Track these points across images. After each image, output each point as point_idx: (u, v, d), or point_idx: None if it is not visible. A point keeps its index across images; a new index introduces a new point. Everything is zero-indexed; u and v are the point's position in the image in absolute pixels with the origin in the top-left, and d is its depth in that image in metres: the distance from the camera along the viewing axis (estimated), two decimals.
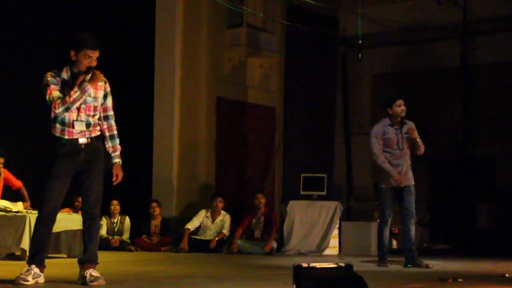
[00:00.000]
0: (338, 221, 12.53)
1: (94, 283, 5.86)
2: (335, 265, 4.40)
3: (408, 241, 8.95)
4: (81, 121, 6.01)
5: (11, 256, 9.37)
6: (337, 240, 12.52)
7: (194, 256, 11.04)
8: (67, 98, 5.89)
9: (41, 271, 5.97)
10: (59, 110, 5.90)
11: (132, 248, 12.11)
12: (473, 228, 13.18)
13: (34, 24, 12.14)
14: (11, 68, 11.90)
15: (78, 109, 5.98)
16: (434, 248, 13.07)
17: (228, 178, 14.09)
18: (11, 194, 10.26)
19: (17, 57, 12.02)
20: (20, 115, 11.87)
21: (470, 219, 13.27)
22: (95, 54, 6.01)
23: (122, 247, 12.12)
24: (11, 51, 12.03)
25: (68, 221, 9.75)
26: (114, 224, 12.50)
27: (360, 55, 13.71)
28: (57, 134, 6.02)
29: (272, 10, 14.35)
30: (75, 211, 11.34)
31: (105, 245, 11.69)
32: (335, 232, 12.49)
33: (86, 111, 6.03)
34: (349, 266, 4.42)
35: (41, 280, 5.93)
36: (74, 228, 9.72)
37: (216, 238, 12.07)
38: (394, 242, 12.72)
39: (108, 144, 6.22)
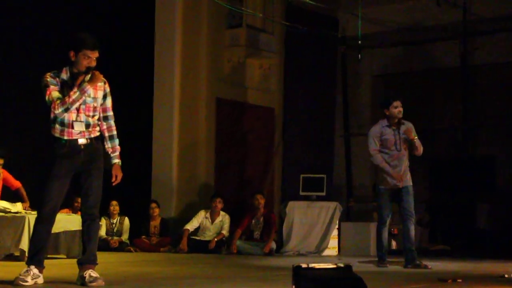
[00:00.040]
0: (337, 222, 12.51)
1: (93, 284, 5.85)
2: (335, 266, 4.39)
3: (408, 241, 8.96)
4: (81, 121, 6.00)
5: (10, 257, 9.34)
6: (336, 240, 12.51)
7: (193, 257, 11.03)
8: (67, 99, 5.89)
9: (40, 271, 5.95)
10: (58, 110, 5.89)
11: (131, 249, 12.11)
12: (473, 228, 13.18)
13: (34, 24, 12.13)
14: (11, 68, 11.89)
15: (78, 109, 5.97)
16: (433, 248, 13.06)
17: (227, 179, 14.08)
18: (10, 195, 10.25)
19: (16, 57, 12.01)
20: (20, 115, 11.86)
21: (470, 220, 13.26)
22: (95, 55, 6.00)
23: (121, 247, 12.11)
24: (11, 51, 12.02)
25: (67, 221, 9.74)
26: (113, 225, 12.49)
27: (360, 55, 13.70)
28: (57, 135, 6.01)
29: (271, 10, 14.34)
30: (74, 211, 11.35)
31: (104, 245, 11.67)
32: (335, 232, 12.48)
33: (86, 111, 6.02)
34: (348, 267, 4.41)
35: (40, 280, 5.91)
36: (73, 229, 9.70)
37: (216, 239, 12.07)
38: (394, 243, 12.71)
39: (108, 145, 6.21)
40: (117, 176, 6.20)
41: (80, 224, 6.21)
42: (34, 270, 5.90)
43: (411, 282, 6.84)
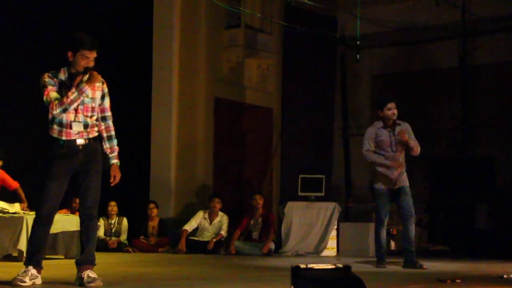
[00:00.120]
0: (336, 222, 12.51)
1: (92, 284, 5.83)
2: (333, 266, 4.35)
3: (407, 242, 8.98)
4: (79, 122, 5.98)
5: (8, 258, 9.33)
6: (335, 241, 12.51)
7: (191, 257, 11.03)
8: (65, 99, 5.87)
9: (38, 272, 5.93)
10: (56, 111, 5.87)
11: (130, 249, 12.10)
12: (473, 228, 13.15)
13: (33, 24, 12.11)
14: (10, 68, 11.87)
15: (76, 110, 5.95)
16: (433, 249, 13.05)
17: (226, 179, 14.08)
18: (8, 195, 10.23)
19: (15, 57, 11.99)
20: (18, 116, 11.84)
21: (469, 220, 13.24)
22: (93, 55, 5.98)
23: (120, 248, 12.11)
24: (10, 51, 12.01)
25: (65, 222, 9.73)
26: (112, 225, 12.48)
27: (358, 55, 13.68)
28: (55, 135, 5.99)
29: (270, 10, 14.33)
30: (73, 212, 11.33)
31: (103, 246, 11.68)
32: (333, 233, 12.48)
33: (84, 112, 6.00)
34: (347, 267, 4.38)
35: (38, 281, 5.89)
36: (72, 229, 9.70)
37: (214, 240, 12.06)
38: (392, 243, 12.70)
39: (106, 145, 6.19)
40: (116, 176, 6.19)
41: (78, 224, 6.19)
42: (32, 270, 5.87)
43: (410, 283, 6.83)
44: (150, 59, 13.35)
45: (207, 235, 12.28)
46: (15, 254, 9.31)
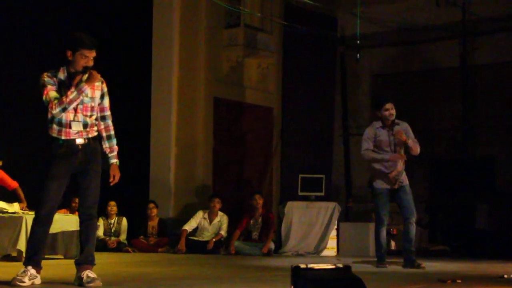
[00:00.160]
0: (336, 222, 12.50)
1: (91, 284, 5.81)
2: (333, 266, 4.34)
3: (407, 241, 8.98)
4: (78, 121, 5.97)
5: (7, 257, 9.31)
6: (335, 241, 12.50)
7: (191, 257, 11.01)
8: (64, 99, 5.86)
9: (38, 272, 5.92)
10: (56, 110, 5.86)
11: (129, 249, 12.09)
12: (473, 228, 13.14)
13: (33, 24, 12.10)
14: (9, 68, 11.86)
15: (75, 109, 5.94)
16: (433, 249, 13.03)
17: (225, 179, 14.06)
18: (7, 195, 10.21)
19: (14, 57, 11.98)
20: (17, 115, 11.83)
21: (469, 220, 13.23)
22: (92, 54, 5.97)
23: (119, 248, 12.10)
24: (9, 51, 11.99)
25: (64, 222, 9.71)
26: (111, 225, 12.46)
27: (358, 55, 13.66)
28: (54, 135, 5.98)
29: (269, 10, 14.32)
30: (72, 212, 11.32)
31: (102, 246, 11.67)
32: (333, 233, 12.47)
33: (83, 111, 5.99)
34: (347, 267, 4.37)
35: (38, 281, 5.88)
36: (71, 229, 9.67)
37: (214, 239, 12.05)
38: (393, 243, 12.69)
39: (105, 145, 6.18)
40: (115, 176, 6.17)
41: (78, 224, 6.17)
42: (32, 270, 5.86)
43: (411, 283, 6.81)
44: (149, 59, 13.33)
45: (206, 235, 12.26)
46: (14, 254, 9.29)
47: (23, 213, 9.57)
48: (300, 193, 12.73)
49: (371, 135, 9.02)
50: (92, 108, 6.04)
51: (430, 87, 14.83)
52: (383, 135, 8.97)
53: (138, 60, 13.47)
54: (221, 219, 12.34)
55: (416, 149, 8.97)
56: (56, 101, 5.85)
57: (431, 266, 8.95)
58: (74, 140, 5.97)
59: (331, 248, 12.39)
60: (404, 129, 9.00)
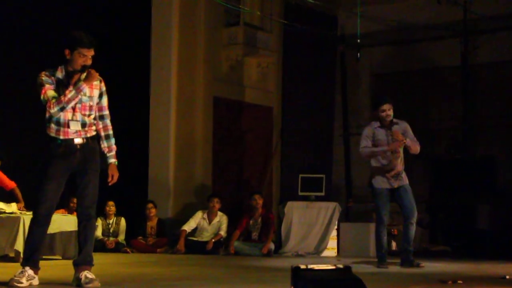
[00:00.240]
0: (336, 222, 12.47)
1: (89, 285, 5.79)
2: (334, 267, 4.34)
3: (405, 241, 9.03)
4: (77, 120, 5.95)
5: (4, 258, 9.29)
6: (335, 241, 12.47)
7: (190, 258, 10.99)
8: (62, 98, 5.84)
9: (36, 273, 5.90)
10: (54, 109, 5.84)
11: (128, 250, 12.07)
12: (474, 229, 13.13)
13: (32, 24, 12.10)
14: (8, 68, 11.86)
15: (73, 108, 5.92)
16: (434, 249, 13.02)
17: (225, 179, 14.05)
18: (5, 195, 10.18)
19: (13, 57, 11.98)
20: (15, 115, 11.82)
21: (470, 220, 13.22)
22: (90, 53, 5.95)
23: (118, 248, 12.08)
24: (8, 51, 11.99)
25: (63, 222, 9.70)
26: (110, 225, 12.44)
27: (359, 54, 13.65)
28: (52, 134, 5.96)
29: (269, 8, 14.31)
30: (70, 212, 11.30)
31: (101, 246, 11.65)
32: (334, 233, 12.44)
33: (82, 110, 5.97)
34: (347, 268, 4.37)
35: (35, 282, 5.85)
36: (69, 230, 9.67)
37: (213, 240, 12.02)
38: (393, 244, 12.65)
39: (104, 144, 6.15)
40: (113, 176, 6.15)
41: (76, 224, 6.16)
42: (29, 271, 5.84)
43: (411, 283, 6.78)
44: (148, 58, 13.33)
45: (206, 235, 12.24)
46: (11, 254, 9.27)
47: (20, 213, 9.54)
48: (300, 193, 12.70)
49: (370, 134, 9.04)
50: (91, 107, 6.02)
51: (430, 86, 14.82)
52: (381, 134, 8.99)
53: (137, 59, 13.46)
54: (221, 219, 12.31)
55: (415, 148, 8.98)
56: (54, 100, 5.83)
57: (432, 266, 8.94)
58: (72, 139, 5.95)
59: (331, 248, 12.36)
60: (403, 129, 9.03)
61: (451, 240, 13.31)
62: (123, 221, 12.51)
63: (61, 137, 5.92)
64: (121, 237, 12.41)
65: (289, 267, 4.37)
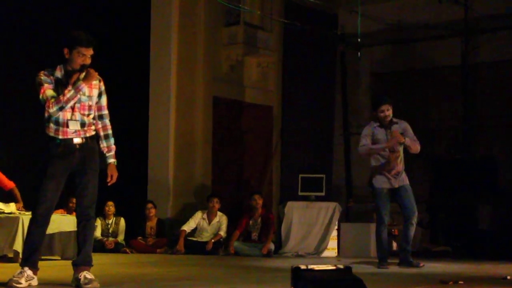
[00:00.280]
0: (337, 223, 12.44)
1: (88, 286, 5.79)
2: (334, 267, 4.35)
3: (404, 240, 9.06)
4: (76, 120, 5.95)
5: (3, 258, 9.28)
6: (336, 241, 12.44)
7: (190, 258, 10.98)
8: (61, 97, 5.84)
9: (34, 273, 5.90)
10: (53, 109, 5.84)
11: (127, 250, 12.05)
12: (475, 229, 13.11)
13: (31, 24, 12.11)
14: (6, 68, 11.87)
15: (73, 108, 5.92)
16: (435, 249, 13.00)
17: (225, 179, 14.03)
18: (4, 195, 10.17)
19: (12, 57, 11.99)
20: (13, 115, 11.82)
21: (471, 221, 13.20)
22: (89, 52, 5.95)
23: (117, 249, 12.06)
24: (7, 51, 11.99)
25: (62, 222, 9.70)
26: (109, 226, 12.42)
27: (359, 53, 13.64)
28: (51, 134, 5.95)
29: (269, 8, 14.29)
30: (69, 212, 11.30)
31: (100, 247, 11.63)
32: (334, 233, 12.41)
33: (81, 110, 5.97)
34: (348, 268, 4.39)
35: (34, 282, 5.85)
36: (68, 230, 9.66)
37: (213, 240, 12.00)
38: (394, 244, 12.62)
39: (103, 144, 6.16)
40: (113, 176, 6.15)
41: (75, 225, 6.18)
42: (28, 271, 5.84)
43: (412, 284, 6.78)
44: (148, 57, 13.30)
45: (205, 236, 12.21)
46: (10, 255, 9.26)
47: (19, 213, 9.52)
48: (300, 193, 12.67)
49: (369, 133, 9.05)
50: (90, 107, 6.03)
51: (431, 86, 14.80)
52: (380, 134, 9.00)
53: (137, 58, 13.45)
54: (220, 219, 12.29)
55: (415, 147, 8.99)
56: (53, 100, 5.83)
57: (433, 267, 8.93)
58: (71, 139, 5.95)
59: (331, 248, 12.33)
60: (403, 128, 9.05)
61: (452, 241, 13.29)
62: (122, 221, 12.49)
63: (60, 137, 5.92)
64: (121, 238, 12.39)
65: (289, 267, 4.37)
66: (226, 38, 14.04)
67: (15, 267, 6.11)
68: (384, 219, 9.00)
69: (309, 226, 12.36)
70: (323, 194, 12.60)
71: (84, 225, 6.02)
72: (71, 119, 5.91)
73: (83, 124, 5.96)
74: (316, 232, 12.32)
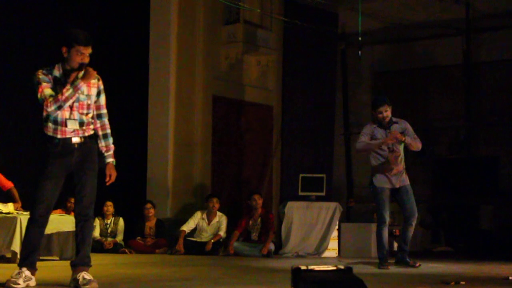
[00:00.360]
0: (337, 223, 12.41)
1: (87, 286, 5.75)
2: (335, 268, 4.33)
3: (402, 241, 9.08)
4: (74, 119, 5.92)
5: (1, 259, 9.28)
6: (336, 242, 12.41)
7: (189, 258, 10.95)
8: (59, 96, 5.80)
9: (32, 274, 5.86)
10: (51, 108, 5.81)
11: (126, 250, 12.02)
12: (477, 229, 13.11)
13: (31, 24, 12.13)
14: (5, 68, 11.85)
15: (71, 107, 5.89)
16: (436, 250, 13.00)
17: (224, 179, 14.02)
18: (2, 196, 10.15)
19: (12, 57, 11.99)
20: (12, 114, 11.81)
21: (473, 221, 13.20)
22: (88, 51, 5.93)
23: (116, 249, 12.05)
24: (6, 51, 12.00)
25: (60, 222, 9.67)
26: (108, 226, 12.39)
27: (360, 52, 13.62)
28: (50, 134, 5.92)
29: (269, 6, 14.32)
30: (68, 212, 11.30)
31: (98, 247, 11.65)
32: (334, 233, 12.38)
33: (79, 109, 5.94)
34: (348, 269, 4.36)
35: (32, 283, 5.82)
36: (67, 230, 9.65)
37: (212, 240, 11.97)
38: (395, 244, 12.59)
39: (101, 143, 6.13)
40: (111, 175, 6.13)
41: (74, 225, 6.12)
42: (26, 272, 5.81)
43: (413, 284, 6.75)
44: (147, 56, 13.30)
45: (205, 236, 12.18)
46: (8, 255, 9.24)
47: (17, 213, 9.50)
48: (300, 193, 12.64)
49: (369, 131, 9.04)
50: (88, 106, 6.00)
51: (432, 85, 14.80)
52: (380, 134, 8.99)
53: (135, 57, 13.47)
54: (220, 219, 12.26)
55: (416, 145, 9.01)
56: (51, 99, 5.81)
57: (434, 267, 8.92)
58: (70, 138, 5.92)
59: (332, 249, 12.30)
60: (403, 128, 9.05)
61: (454, 241, 13.29)
62: (121, 222, 12.47)
63: (59, 136, 5.89)
64: (119, 238, 12.36)
65: (289, 268, 4.35)
66: (225, 37, 14.02)
67: (13, 268, 6.08)
68: (385, 219, 8.99)
69: (309, 226, 12.33)
70: (323, 194, 12.56)
71: (83, 225, 5.99)
72: (69, 118, 5.88)
73: (81, 123, 5.93)
74: (317, 232, 12.29)
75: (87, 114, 5.97)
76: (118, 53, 13.05)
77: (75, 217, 6.08)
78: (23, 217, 8.84)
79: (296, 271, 4.23)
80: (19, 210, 9.73)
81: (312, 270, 4.24)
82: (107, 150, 6.13)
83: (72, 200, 9.71)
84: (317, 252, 12.18)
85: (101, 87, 6.08)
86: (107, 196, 12.00)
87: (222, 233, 12.16)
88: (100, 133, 6.10)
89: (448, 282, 6.52)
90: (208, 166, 13.69)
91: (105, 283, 6.12)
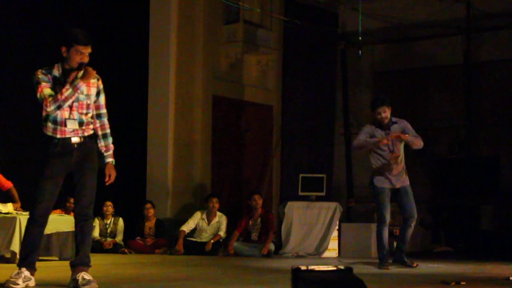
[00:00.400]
0: (337, 223, 12.41)
1: (86, 287, 5.74)
2: (335, 268, 4.35)
3: (401, 240, 9.12)
4: (74, 119, 5.91)
5: (0, 259, 9.26)
6: (336, 242, 12.41)
7: (189, 259, 10.95)
8: (59, 96, 5.80)
9: (32, 274, 5.86)
10: (50, 108, 5.80)
11: (126, 251, 12.02)
12: (477, 229, 13.10)
13: (29, 24, 12.12)
14: (4, 68, 11.84)
15: (71, 107, 5.88)
16: (436, 250, 12.98)
17: (224, 179, 14.01)
18: (1, 196, 10.15)
19: (11, 57, 11.97)
20: (11, 114, 11.80)
21: (473, 221, 13.19)
22: (87, 50, 5.92)
23: (116, 249, 12.04)
24: (6, 51, 11.98)
25: (59, 222, 9.67)
26: (107, 226, 12.38)
27: (360, 52, 13.61)
28: (49, 133, 5.92)
29: (269, 5, 14.31)
30: (67, 212, 11.28)
31: (98, 247, 11.65)
32: (335, 233, 12.37)
33: (79, 109, 5.94)
34: (348, 269, 4.37)
35: (32, 283, 5.82)
36: (66, 230, 9.66)
37: (212, 240, 11.96)
38: (395, 244, 12.57)
39: (101, 143, 6.13)
40: (111, 175, 6.12)
41: (73, 225, 6.12)
42: (26, 272, 5.81)
43: (414, 285, 6.75)
44: (146, 56, 13.28)
45: (205, 236, 12.17)
46: (8, 255, 9.23)
47: (17, 213, 9.50)
48: (300, 193, 12.63)
49: (369, 131, 9.05)
50: (88, 106, 5.99)
51: (432, 85, 14.79)
52: (379, 134, 8.99)
53: (135, 57, 13.45)
54: (220, 219, 12.25)
55: (418, 143, 9.01)
56: (50, 99, 5.80)
57: (435, 267, 8.93)
58: (69, 138, 5.91)
59: (332, 249, 12.30)
60: (402, 128, 9.06)
61: (454, 241, 13.28)
62: (121, 222, 12.46)
63: (58, 136, 5.89)
64: (119, 238, 12.35)
65: (289, 268, 4.36)
66: (225, 36, 14.01)
67: (12, 268, 6.07)
68: (385, 219, 8.99)
69: (309, 226, 12.33)
70: (323, 194, 12.56)
71: (82, 225, 5.98)
72: (69, 118, 5.88)
73: (81, 123, 5.93)
74: (317, 233, 12.28)
75: (86, 114, 5.97)
76: (118, 53, 13.04)
77: (75, 217, 6.07)
78: (23, 217, 8.85)
79: (296, 271, 4.24)
80: (18, 210, 9.74)
81: (312, 270, 4.24)
82: (107, 150, 6.12)
83: (72, 200, 9.67)
84: (317, 252, 12.18)
85: (101, 86, 6.07)
86: (107, 196, 12.01)
87: (222, 233, 12.15)
88: (99, 133, 6.10)
89: (448, 282, 6.53)
90: (208, 166, 13.68)
91: (104, 283, 6.12)
